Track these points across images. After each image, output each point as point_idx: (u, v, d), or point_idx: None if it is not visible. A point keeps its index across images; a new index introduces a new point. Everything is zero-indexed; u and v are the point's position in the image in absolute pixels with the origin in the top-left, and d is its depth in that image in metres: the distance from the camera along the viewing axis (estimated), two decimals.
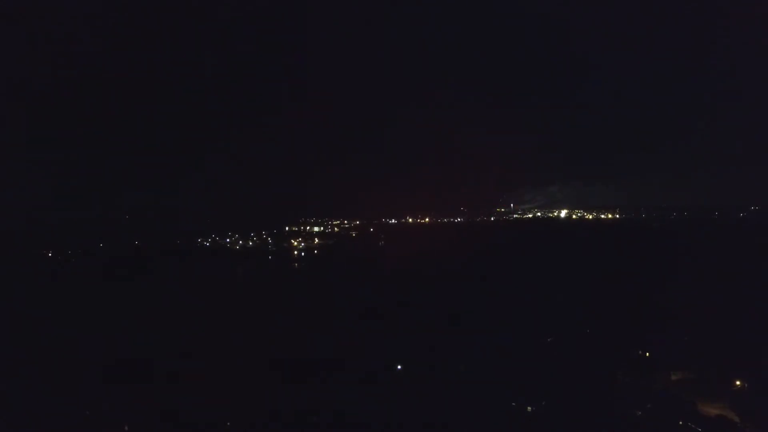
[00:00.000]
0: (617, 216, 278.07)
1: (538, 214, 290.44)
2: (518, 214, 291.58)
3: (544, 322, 79.78)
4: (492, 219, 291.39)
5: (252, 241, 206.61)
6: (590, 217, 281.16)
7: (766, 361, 59.10)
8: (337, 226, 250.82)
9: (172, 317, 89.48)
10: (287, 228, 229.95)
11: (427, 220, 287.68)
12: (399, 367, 63.54)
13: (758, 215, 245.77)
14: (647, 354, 66.36)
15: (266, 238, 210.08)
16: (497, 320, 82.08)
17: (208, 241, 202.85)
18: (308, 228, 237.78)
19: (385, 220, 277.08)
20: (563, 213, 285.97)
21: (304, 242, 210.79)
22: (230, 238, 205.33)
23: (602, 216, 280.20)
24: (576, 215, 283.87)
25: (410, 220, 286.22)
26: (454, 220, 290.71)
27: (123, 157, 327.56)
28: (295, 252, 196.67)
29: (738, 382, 56.77)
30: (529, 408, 52.21)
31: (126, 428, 49.84)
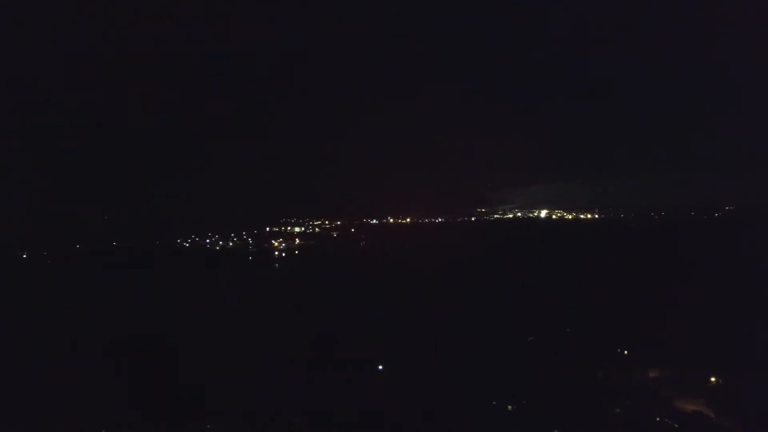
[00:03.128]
0: (596, 216, 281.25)
1: (519, 214, 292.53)
2: (499, 215, 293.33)
3: (525, 321, 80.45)
4: (473, 219, 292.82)
5: (232, 241, 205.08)
6: (570, 216, 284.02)
7: (740, 358, 60.33)
8: (318, 226, 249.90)
9: (154, 318, 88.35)
10: (268, 229, 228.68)
11: (408, 220, 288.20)
12: (380, 367, 63.59)
13: (732, 215, 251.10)
14: (626, 352, 67.39)
15: (247, 238, 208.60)
16: (478, 319, 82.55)
17: (187, 242, 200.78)
18: (289, 228, 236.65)
19: (366, 220, 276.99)
20: (543, 213, 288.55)
21: (284, 243, 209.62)
22: (210, 238, 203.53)
23: (581, 216, 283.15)
24: (556, 215, 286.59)
25: (391, 220, 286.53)
26: (435, 221, 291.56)
27: (101, 157, 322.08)
28: (276, 253, 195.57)
29: (713, 379, 57.92)
30: (509, 407, 52.60)
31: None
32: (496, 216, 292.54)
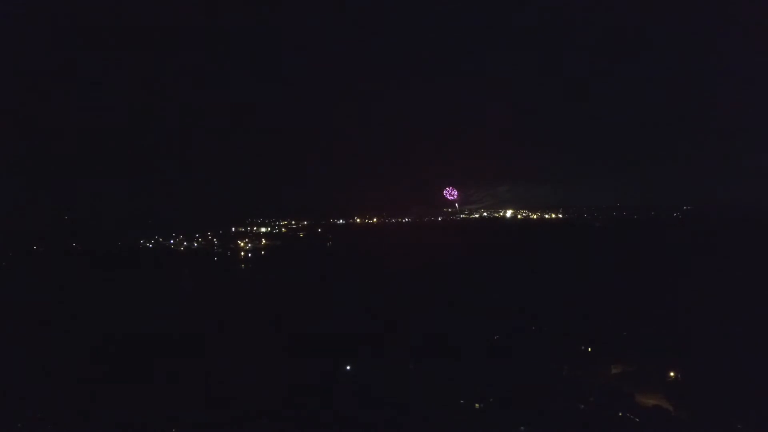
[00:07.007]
0: (560, 216, 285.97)
1: (485, 214, 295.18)
2: (465, 214, 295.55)
3: (492, 320, 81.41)
4: (440, 219, 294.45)
5: (197, 242, 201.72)
6: (534, 216, 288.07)
7: (697, 354, 62.38)
8: (285, 226, 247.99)
9: (117, 323, 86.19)
10: (233, 228, 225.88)
11: (375, 220, 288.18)
12: (348, 367, 63.56)
13: (691, 214, 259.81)
14: (589, 349, 68.97)
15: (212, 239, 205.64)
16: (445, 319, 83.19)
17: (151, 243, 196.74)
18: (255, 228, 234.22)
19: (333, 220, 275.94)
20: (509, 213, 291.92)
21: (251, 243, 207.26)
22: (174, 239, 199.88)
23: (546, 216, 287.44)
24: (521, 215, 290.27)
25: (358, 220, 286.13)
26: (402, 220, 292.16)
27: (60, 154, 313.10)
28: (242, 253, 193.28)
29: (672, 374, 59.80)
30: (477, 405, 53.20)
31: None
32: (462, 216, 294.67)
